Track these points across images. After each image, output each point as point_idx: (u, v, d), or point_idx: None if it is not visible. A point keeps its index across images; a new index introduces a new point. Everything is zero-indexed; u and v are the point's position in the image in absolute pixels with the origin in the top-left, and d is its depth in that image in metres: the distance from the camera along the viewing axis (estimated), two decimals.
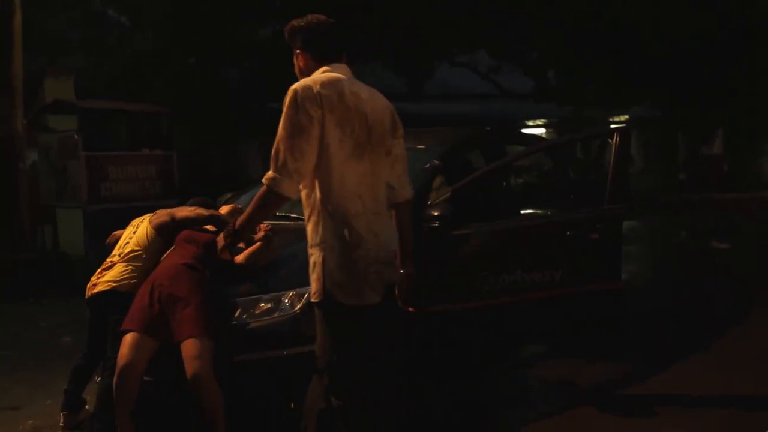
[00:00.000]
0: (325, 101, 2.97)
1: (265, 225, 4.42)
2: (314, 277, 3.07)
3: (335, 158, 3.00)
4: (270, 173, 2.99)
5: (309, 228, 3.10)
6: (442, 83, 22.00)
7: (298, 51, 3.23)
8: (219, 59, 18.41)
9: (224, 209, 4.64)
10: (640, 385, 5.08)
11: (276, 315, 4.10)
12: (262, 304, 4.13)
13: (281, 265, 4.30)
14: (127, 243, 4.38)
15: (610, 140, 4.93)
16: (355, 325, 3.08)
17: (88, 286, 4.34)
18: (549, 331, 5.00)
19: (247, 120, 17.93)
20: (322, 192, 3.02)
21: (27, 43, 11.57)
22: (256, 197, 3.08)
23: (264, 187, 3.01)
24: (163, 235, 4.38)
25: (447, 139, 5.51)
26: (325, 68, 3.14)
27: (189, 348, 3.82)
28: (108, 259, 4.40)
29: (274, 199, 3.01)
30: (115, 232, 4.67)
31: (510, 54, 17.71)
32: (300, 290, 4.13)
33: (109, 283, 4.25)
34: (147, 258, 4.33)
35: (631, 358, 5.61)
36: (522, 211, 5.53)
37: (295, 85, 3.02)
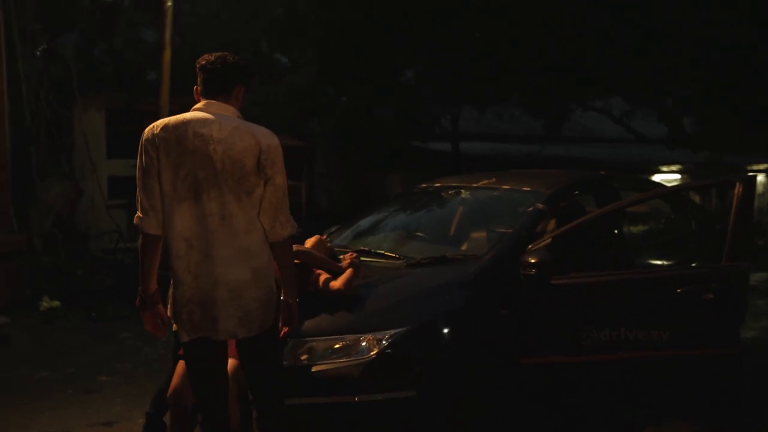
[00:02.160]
0: (161, 143, 2.96)
1: (351, 253, 4.02)
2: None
3: (167, 199, 2.98)
4: (137, 214, 3.02)
5: None
6: (580, 126, 21.19)
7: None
8: (371, 99, 18.52)
9: (309, 242, 4.19)
10: None
11: (351, 358, 3.66)
12: (336, 345, 3.70)
13: (361, 303, 3.86)
14: None
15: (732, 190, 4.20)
16: (190, 358, 3.16)
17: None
18: (654, 395, 4.28)
19: (393, 156, 17.92)
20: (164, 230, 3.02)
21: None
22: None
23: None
24: None
25: (555, 183, 4.92)
26: (202, 102, 3.11)
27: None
28: None
29: (144, 239, 3.02)
30: None
31: (645, 99, 16.66)
32: (378, 334, 3.70)
33: None
34: None
35: None
36: (633, 263, 4.82)
37: (146, 129, 3.05)
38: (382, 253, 4.62)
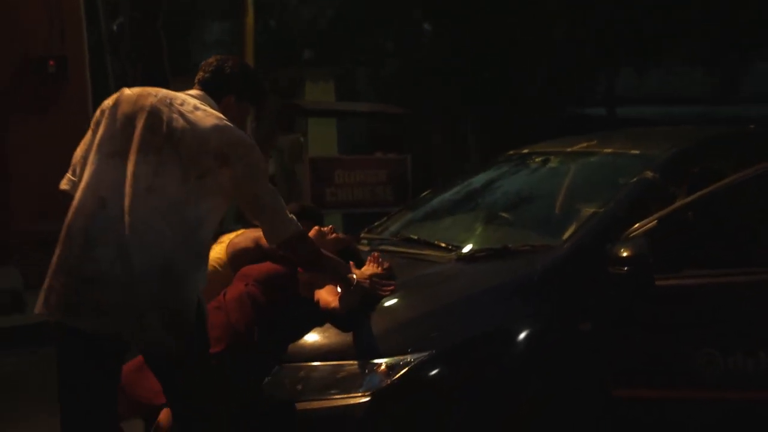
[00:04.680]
0: (121, 98, 2.67)
1: (380, 264, 3.04)
2: None
3: (94, 148, 2.63)
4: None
5: None
6: (759, 82, 18.91)
7: None
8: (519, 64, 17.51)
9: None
10: None
11: (350, 393, 2.74)
12: (332, 375, 2.79)
13: (371, 318, 2.89)
14: None
15: None
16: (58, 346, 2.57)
17: None
18: None
19: (545, 124, 16.87)
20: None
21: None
22: None
23: None
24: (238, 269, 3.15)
25: (677, 143, 3.67)
26: (196, 91, 2.81)
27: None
28: None
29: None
30: None
31: None
32: (390, 360, 2.75)
33: None
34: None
35: None
36: None
37: None
38: (435, 243, 3.57)
